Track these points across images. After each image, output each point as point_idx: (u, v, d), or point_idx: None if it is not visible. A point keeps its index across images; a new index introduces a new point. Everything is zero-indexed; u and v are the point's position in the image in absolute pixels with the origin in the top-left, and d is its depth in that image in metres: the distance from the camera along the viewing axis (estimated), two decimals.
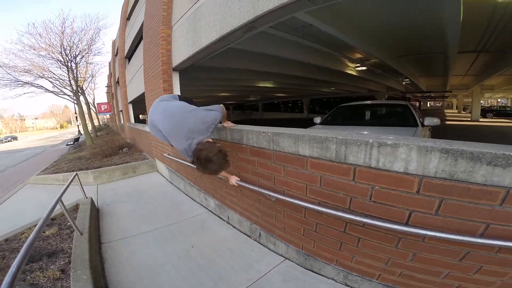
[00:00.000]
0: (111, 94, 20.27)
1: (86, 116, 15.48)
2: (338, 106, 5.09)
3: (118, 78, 13.50)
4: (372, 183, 1.40)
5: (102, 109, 16.90)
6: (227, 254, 2.63)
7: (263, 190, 2.16)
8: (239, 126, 2.69)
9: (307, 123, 4.96)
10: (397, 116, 4.17)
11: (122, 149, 9.41)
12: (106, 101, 19.91)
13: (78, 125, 22.40)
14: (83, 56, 13.24)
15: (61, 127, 65.64)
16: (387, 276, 1.61)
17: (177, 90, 5.05)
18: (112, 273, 2.49)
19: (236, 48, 4.51)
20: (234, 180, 2.46)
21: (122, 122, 14.67)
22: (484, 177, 1.04)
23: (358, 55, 7.25)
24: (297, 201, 1.80)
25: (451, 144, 1.14)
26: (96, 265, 2.50)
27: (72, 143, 15.51)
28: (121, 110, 13.96)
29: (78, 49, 12.73)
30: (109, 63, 19.60)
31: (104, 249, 2.94)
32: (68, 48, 12.28)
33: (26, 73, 11.92)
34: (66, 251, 2.67)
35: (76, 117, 14.98)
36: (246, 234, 2.96)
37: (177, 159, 4.05)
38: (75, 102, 13.31)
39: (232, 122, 2.69)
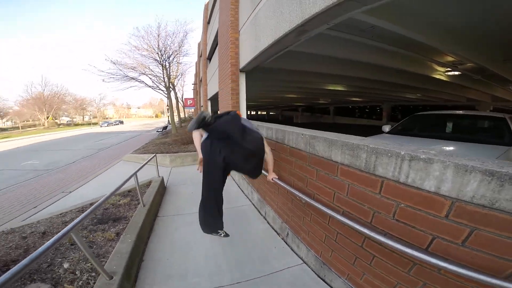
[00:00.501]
0: (196, 91, 22.72)
1: (175, 108, 17.91)
2: (413, 115, 4.45)
3: (201, 77, 15.08)
4: (398, 200, 1.20)
5: (188, 103, 19.21)
6: (251, 246, 2.74)
7: (294, 191, 2.10)
8: (281, 127, 2.69)
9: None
10: (488, 131, 3.37)
11: None
12: (192, 97, 22.40)
13: (168, 116, 26.08)
14: (175, 57, 15.31)
15: (156, 116, 77.62)
16: None
17: (243, 90, 5.34)
18: (153, 241, 2.90)
19: (299, 51, 4.47)
20: (271, 176, 2.45)
21: None
22: None
23: (449, 58, 6.09)
24: (323, 207, 1.69)
25: (501, 166, 0.88)
26: (144, 233, 2.93)
27: (161, 130, 18.12)
28: (202, 106, 15.59)
29: (171, 50, 14.80)
30: (196, 63, 21.92)
31: (157, 221, 3.40)
32: (163, 49, 14.40)
33: (132, 70, 14.53)
34: (128, 218, 3.18)
35: (168, 109, 17.35)
36: (276, 231, 2.97)
37: None
38: (166, 96, 15.50)
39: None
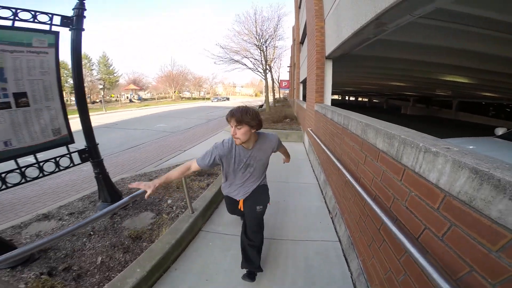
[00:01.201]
0: (291, 73, 23.07)
1: (270, 89, 18.95)
2: None
3: (295, 60, 15.29)
4: (411, 188, 1.30)
5: (283, 85, 19.97)
6: (301, 216, 3.15)
7: (346, 172, 2.30)
8: (345, 112, 2.82)
9: None
10: None
11: (286, 119, 11.01)
12: (287, 79, 22.89)
13: (264, 96, 27.69)
14: (271, 41, 15.97)
15: (256, 95, 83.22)
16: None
17: (329, 76, 5.40)
18: (225, 207, 3.72)
19: (395, 40, 4.19)
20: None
21: (294, 98, 16.81)
22: (499, 213, 0.83)
23: None
24: (360, 189, 1.86)
25: (490, 166, 0.92)
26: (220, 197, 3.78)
27: (257, 108, 19.60)
28: (295, 88, 15.95)
29: (267, 34, 15.48)
30: (291, 46, 22.00)
31: None
32: (260, 33, 15.20)
33: (236, 54, 16.17)
34: (218, 174, 4.09)
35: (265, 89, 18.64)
36: (328, 210, 3.25)
37: (314, 135, 4.51)
38: (263, 78, 16.58)
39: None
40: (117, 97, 46.96)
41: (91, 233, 2.67)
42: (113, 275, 2.07)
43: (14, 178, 2.23)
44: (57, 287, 1.93)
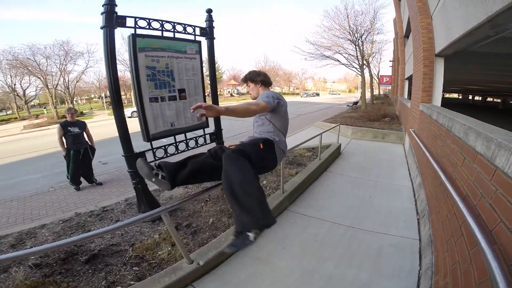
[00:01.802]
0: (394, 68, 20.85)
1: (368, 85, 17.80)
2: None
3: (399, 55, 13.83)
4: (498, 186, 1.40)
5: (384, 81, 18.37)
6: (385, 213, 3.28)
7: (442, 174, 2.35)
8: (451, 114, 2.74)
9: None
10: None
11: (385, 118, 10.34)
12: (389, 74, 20.87)
13: (360, 92, 26.03)
14: (367, 35, 14.84)
15: (349, 91, 77.48)
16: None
17: (439, 75, 4.96)
18: (314, 185, 4.13)
19: None
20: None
21: (396, 96, 15.33)
22: None
23: None
24: (452, 190, 1.95)
25: None
26: (312, 176, 4.25)
27: (351, 105, 18.75)
28: (398, 85, 14.51)
29: (362, 29, 14.45)
30: (393, 39, 19.80)
31: (324, 174, 4.60)
32: (354, 28, 14.32)
33: (327, 49, 15.80)
34: (306, 165, 4.54)
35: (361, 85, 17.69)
36: (417, 211, 3.26)
37: (416, 137, 4.36)
38: (360, 74, 15.76)
39: None
40: (220, 91, 53.12)
41: (207, 199, 3.54)
42: (218, 233, 2.76)
43: (170, 149, 3.28)
44: (180, 237, 2.67)
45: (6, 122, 31.07)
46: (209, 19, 3.53)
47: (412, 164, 4.78)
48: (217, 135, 3.81)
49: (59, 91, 32.90)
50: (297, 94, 62.73)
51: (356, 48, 15.07)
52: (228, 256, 2.51)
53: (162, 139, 3.14)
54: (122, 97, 3.01)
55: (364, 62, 15.65)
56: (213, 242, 2.55)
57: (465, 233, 1.69)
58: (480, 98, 40.28)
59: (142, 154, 2.93)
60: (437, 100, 5.12)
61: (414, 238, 2.73)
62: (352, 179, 4.38)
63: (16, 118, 34.13)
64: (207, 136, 3.69)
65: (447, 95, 44.53)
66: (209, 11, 3.55)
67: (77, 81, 32.56)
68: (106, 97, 39.46)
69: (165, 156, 3.18)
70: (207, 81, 4.21)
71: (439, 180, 2.72)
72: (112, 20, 2.59)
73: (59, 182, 5.59)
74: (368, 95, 21.49)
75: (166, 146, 3.19)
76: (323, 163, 4.71)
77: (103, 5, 2.58)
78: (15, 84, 32.94)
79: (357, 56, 15.31)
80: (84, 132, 5.02)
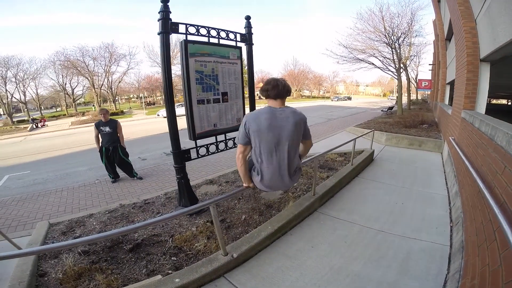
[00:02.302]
0: (434, 72, 19.73)
1: (405, 90, 17.08)
2: None
3: (440, 58, 13.10)
4: None
5: (423, 85, 17.46)
6: (417, 220, 3.28)
7: (480, 183, 2.34)
8: (494, 122, 2.69)
9: None
10: None
11: (423, 125, 9.91)
12: (428, 78, 19.79)
13: (396, 97, 24.88)
14: (405, 38, 14.23)
15: (384, 95, 73.69)
16: None
17: (484, 80, 4.74)
18: (346, 189, 4.20)
19: None
20: None
21: (436, 101, 14.53)
22: None
23: None
24: (489, 197, 1.96)
25: None
26: (344, 181, 4.30)
27: (386, 110, 18.05)
28: (439, 89, 13.76)
29: (399, 31, 13.88)
30: (433, 41, 18.71)
31: (356, 179, 4.62)
32: (390, 31, 13.81)
33: (361, 53, 15.43)
34: (337, 170, 4.60)
35: (397, 89, 17.02)
36: (450, 219, 3.26)
37: (455, 145, 4.24)
38: (396, 77, 15.20)
39: None
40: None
41: (240, 197, 3.75)
42: (250, 229, 2.92)
43: (211, 148, 3.56)
44: (214, 232, 2.74)
45: (56, 118, 34.41)
46: (248, 26, 3.76)
47: (450, 173, 4.62)
48: None
49: (103, 91, 35.68)
50: (328, 97, 61.57)
51: (392, 51, 14.59)
52: (258, 251, 2.67)
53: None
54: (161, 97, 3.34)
55: (401, 65, 15.08)
56: (246, 237, 2.71)
57: (498, 237, 1.71)
58: None
59: (187, 152, 3.23)
60: (481, 107, 4.89)
61: (445, 244, 2.71)
62: (384, 185, 4.36)
63: (65, 114, 37.73)
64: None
65: (493, 101, 40.99)
66: (248, 18, 3.75)
67: (119, 82, 35.07)
68: (145, 97, 42.11)
69: (206, 154, 3.46)
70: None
71: (477, 189, 2.68)
72: (168, 26, 2.84)
73: (103, 175, 6.14)
74: (404, 100, 20.60)
75: (208, 145, 3.47)
76: (355, 169, 4.73)
77: (159, 12, 2.82)
78: (65, 84, 36.41)
79: (393, 59, 14.81)
80: (116, 131, 5.43)
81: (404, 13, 14.05)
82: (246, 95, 4.06)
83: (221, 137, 3.61)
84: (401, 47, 14.71)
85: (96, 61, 31.17)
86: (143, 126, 18.04)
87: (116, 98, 40.78)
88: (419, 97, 33.58)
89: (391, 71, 15.57)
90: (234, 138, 3.75)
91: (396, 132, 8.29)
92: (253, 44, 3.86)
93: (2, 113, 41.53)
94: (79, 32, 79.58)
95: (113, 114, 26.42)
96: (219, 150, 3.61)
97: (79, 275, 2.31)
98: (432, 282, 2.21)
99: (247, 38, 3.78)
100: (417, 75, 24.66)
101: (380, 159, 6.03)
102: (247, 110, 3.78)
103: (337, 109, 24.41)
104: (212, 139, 3.51)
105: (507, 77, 9.27)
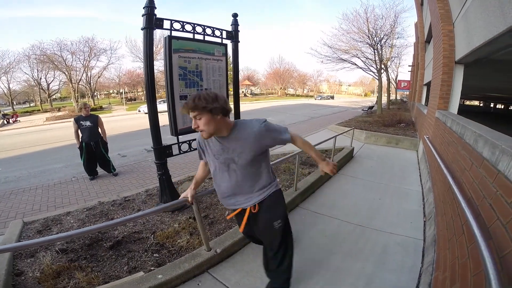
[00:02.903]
0: (413, 73, 20.57)
1: (385, 90, 17.69)
2: None
3: (419, 60, 13.71)
4: (498, 188, 1.55)
5: (402, 86, 18.20)
6: (393, 214, 3.44)
7: (450, 179, 2.48)
8: (464, 121, 2.86)
9: None
10: None
11: (400, 124, 10.31)
12: (408, 79, 20.59)
13: (376, 97, 25.70)
14: (387, 40, 14.74)
15: (365, 95, 75.77)
16: None
17: (457, 82, 5.01)
18: (326, 185, 4.30)
19: None
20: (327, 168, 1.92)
21: (414, 101, 15.18)
22: None
23: None
24: (458, 193, 2.08)
25: None
26: (324, 178, 4.37)
27: (366, 109, 18.61)
28: (416, 90, 14.38)
29: (382, 33, 14.37)
30: (414, 44, 19.55)
31: (336, 176, 4.71)
32: (374, 32, 14.27)
33: (345, 53, 15.82)
34: (318, 165, 4.68)
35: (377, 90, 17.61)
36: (424, 214, 3.42)
37: (429, 144, 4.45)
38: (377, 78, 15.71)
39: None
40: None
41: None
42: (233, 225, 2.93)
43: (193, 144, 3.50)
44: (198, 227, 2.85)
45: (30, 114, 32.60)
46: (235, 23, 3.74)
47: (424, 170, 4.86)
48: None
49: (81, 86, 34.23)
50: (311, 96, 62.17)
51: (374, 52, 15.03)
52: (242, 246, 2.69)
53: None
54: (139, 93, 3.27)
55: (382, 66, 15.58)
56: (230, 232, 2.73)
57: (466, 231, 1.83)
58: (502, 107, 38.86)
59: (169, 148, 3.19)
60: (454, 108, 5.17)
61: (419, 238, 2.86)
62: (363, 181, 4.52)
63: (39, 110, 35.78)
64: None
65: (467, 102, 43.18)
66: (235, 15, 3.74)
67: (98, 77, 33.79)
68: (125, 92, 40.81)
69: (188, 150, 3.43)
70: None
71: (447, 185, 2.84)
72: (152, 21, 2.80)
73: (81, 172, 5.88)
74: (384, 99, 21.31)
75: (190, 141, 3.44)
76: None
77: (144, 7, 2.77)
78: (40, 78, 34.60)
79: (375, 60, 15.26)
80: (97, 126, 5.29)
81: (388, 15, 14.51)
82: (231, 92, 4.05)
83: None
84: (383, 48, 15.17)
85: (74, 56, 29.82)
86: (123, 122, 17.51)
87: (95, 93, 39.31)
88: (398, 97, 34.86)
89: (372, 72, 16.05)
90: None
91: (375, 131, 8.58)
92: (239, 41, 3.84)
93: None
94: (58, 27, 76.09)
95: (92, 109, 25.29)
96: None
97: (57, 274, 2.25)
98: (408, 275, 2.33)
99: (233, 35, 3.75)
100: (397, 76, 25.60)
101: (360, 156, 6.22)
102: (232, 106, 3.79)
103: (320, 108, 24.87)
104: (194, 135, 3.47)
105: (479, 79, 9.83)
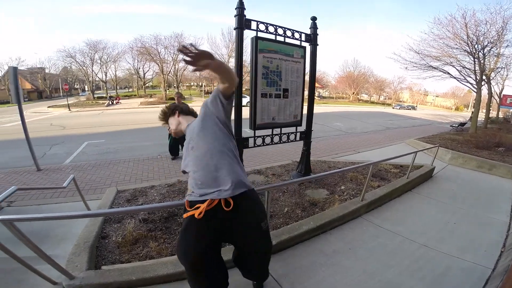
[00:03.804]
0: None
1: (483, 105, 15.00)
2: None
3: None
4: None
5: (507, 102, 15.11)
6: (464, 239, 3.10)
7: None
8: None
9: None
10: None
11: (499, 147, 8.75)
12: None
13: (471, 112, 21.85)
14: (491, 48, 12.23)
15: (456, 109, 64.08)
16: None
17: None
18: (396, 200, 4.07)
19: None
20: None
21: None
22: None
23: None
24: None
25: None
26: (395, 192, 4.15)
27: (456, 125, 16.15)
28: None
29: (486, 40, 11.94)
30: None
31: (409, 193, 4.46)
32: (474, 39, 11.96)
33: (435, 60, 13.68)
34: (390, 181, 4.47)
35: (473, 104, 15.00)
36: (504, 245, 2.90)
37: None
38: (475, 90, 13.40)
39: None
40: None
41: (285, 191, 3.89)
42: (290, 222, 3.04)
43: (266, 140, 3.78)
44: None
45: (128, 98, 39.04)
46: (314, 27, 3.85)
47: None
48: (306, 134, 4.16)
49: (169, 77, 39.07)
50: (389, 104, 56.61)
51: (474, 61, 12.88)
52: (296, 243, 2.78)
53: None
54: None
55: (484, 77, 13.28)
56: (287, 227, 2.86)
57: None
58: None
59: (246, 140, 3.50)
60: None
61: (487, 267, 2.55)
62: (439, 203, 4.08)
63: (135, 95, 42.59)
64: (298, 134, 4.08)
65: None
66: (314, 18, 3.84)
67: (184, 70, 37.86)
68: (204, 86, 44.99)
69: (262, 144, 3.69)
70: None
71: None
72: (242, 22, 3.05)
73: (165, 151, 6.75)
74: (481, 116, 18.16)
75: (264, 137, 3.70)
76: (410, 183, 4.52)
77: (235, 8, 3.02)
78: (139, 68, 40.96)
79: (474, 70, 13.09)
80: None
81: (494, 21, 12.23)
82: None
83: (276, 131, 3.81)
84: (485, 57, 12.91)
85: (167, 50, 34.10)
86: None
87: (180, 85, 44.24)
88: (501, 115, 29.00)
89: (469, 83, 13.81)
90: (288, 133, 3.95)
91: (464, 152, 7.46)
92: (317, 44, 3.94)
93: (86, 89, 48.69)
94: (154, 23, 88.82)
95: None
96: (273, 143, 3.83)
97: (135, 241, 2.55)
98: None
99: (312, 38, 3.87)
100: (502, 90, 21.39)
101: (440, 177, 5.58)
102: (305, 108, 3.93)
103: (398, 118, 22.62)
104: (267, 131, 3.73)
105: None
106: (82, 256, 2.25)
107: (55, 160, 6.63)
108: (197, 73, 43.90)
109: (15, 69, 5.39)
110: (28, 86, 40.79)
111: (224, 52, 38.12)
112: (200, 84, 48.50)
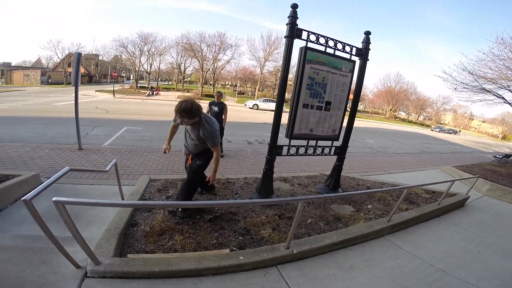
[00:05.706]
0: None
1: None
2: None
3: None
4: None
5: None
6: (485, 269, 2.90)
7: None
8: None
9: None
10: None
11: None
12: None
13: None
14: None
15: (503, 138, 57.90)
16: None
17: None
18: (416, 230, 3.90)
19: None
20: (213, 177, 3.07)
21: None
22: None
23: None
24: None
25: None
26: (422, 216, 4.06)
27: (500, 157, 14.89)
28: None
29: None
30: None
31: (436, 219, 4.32)
32: None
33: (490, 82, 12.34)
34: (419, 205, 4.45)
35: None
36: None
37: None
38: None
39: None
40: None
41: (310, 203, 3.89)
42: (312, 233, 3.06)
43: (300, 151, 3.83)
44: (281, 224, 3.17)
45: (167, 90, 41.21)
46: (366, 41, 3.77)
47: None
48: (342, 150, 4.16)
49: (208, 74, 40.54)
50: (428, 126, 52.65)
51: None
52: (315, 254, 2.79)
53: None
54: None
55: None
56: (310, 238, 2.90)
57: None
58: None
59: (281, 147, 3.59)
60: None
61: None
62: (465, 232, 3.94)
63: (174, 88, 44.89)
64: (333, 149, 4.08)
65: None
66: (368, 33, 3.76)
67: (221, 69, 39.05)
68: (238, 86, 46.05)
69: (295, 154, 3.76)
70: None
71: None
72: (294, 31, 3.08)
73: None
74: None
75: (298, 147, 3.75)
76: (440, 209, 4.40)
77: (288, 17, 3.06)
78: (181, 63, 43.00)
79: None
80: (222, 112, 6.29)
81: None
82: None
83: (311, 142, 3.85)
84: None
85: (209, 48, 35.42)
86: (231, 113, 19.68)
87: (216, 83, 45.69)
88: None
89: None
90: (324, 146, 3.96)
91: (504, 185, 6.95)
92: (368, 59, 3.85)
93: (131, 78, 52.11)
94: (200, 20, 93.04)
95: (209, 96, 29.77)
96: (307, 154, 3.85)
97: (162, 232, 2.61)
98: None
99: (363, 53, 3.78)
100: None
101: (472, 206, 5.31)
102: (345, 122, 3.93)
103: (436, 142, 21.25)
104: (302, 142, 3.75)
105: None
106: (111, 242, 2.30)
107: (96, 141, 7.08)
108: (233, 73, 45.01)
109: (79, 54, 5.63)
110: (82, 70, 44.73)
111: (261, 55, 38.60)
112: (235, 84, 49.63)
